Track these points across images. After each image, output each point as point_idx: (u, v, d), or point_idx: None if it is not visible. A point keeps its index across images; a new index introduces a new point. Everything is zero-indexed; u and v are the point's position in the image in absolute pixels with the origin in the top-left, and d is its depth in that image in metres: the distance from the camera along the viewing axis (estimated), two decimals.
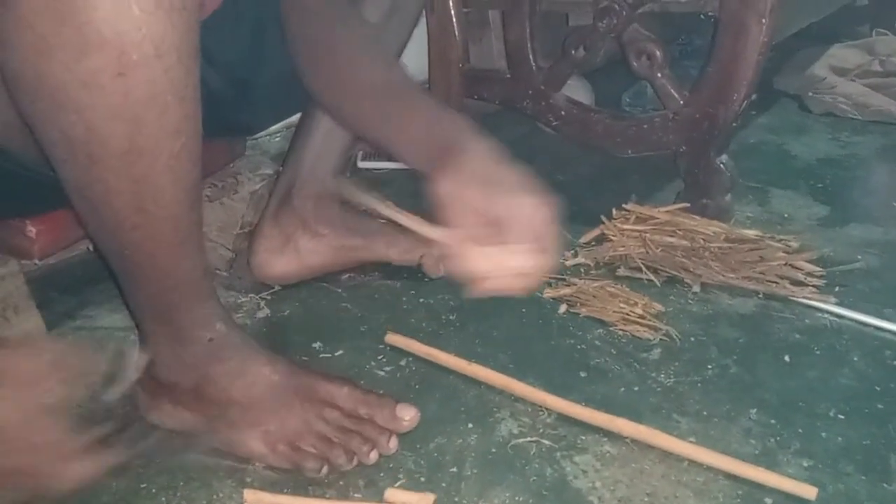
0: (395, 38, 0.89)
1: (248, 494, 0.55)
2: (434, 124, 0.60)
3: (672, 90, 0.97)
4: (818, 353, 0.75)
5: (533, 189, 0.55)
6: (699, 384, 0.70)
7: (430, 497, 0.56)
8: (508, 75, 1.11)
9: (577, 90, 1.19)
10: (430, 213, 0.57)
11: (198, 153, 0.50)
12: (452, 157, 0.57)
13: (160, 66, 0.44)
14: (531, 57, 1.08)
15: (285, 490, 0.57)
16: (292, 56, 0.69)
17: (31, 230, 0.68)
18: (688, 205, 0.97)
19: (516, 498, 0.57)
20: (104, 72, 0.43)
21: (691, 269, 0.86)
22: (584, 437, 0.63)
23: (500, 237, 0.53)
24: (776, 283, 0.84)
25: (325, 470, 0.58)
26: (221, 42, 0.74)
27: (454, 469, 0.60)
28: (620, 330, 0.77)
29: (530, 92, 1.09)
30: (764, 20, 0.88)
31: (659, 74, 0.97)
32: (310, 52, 0.68)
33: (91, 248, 0.77)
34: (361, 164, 1.14)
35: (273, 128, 1.09)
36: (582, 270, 0.89)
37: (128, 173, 0.47)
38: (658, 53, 0.97)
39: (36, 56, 0.43)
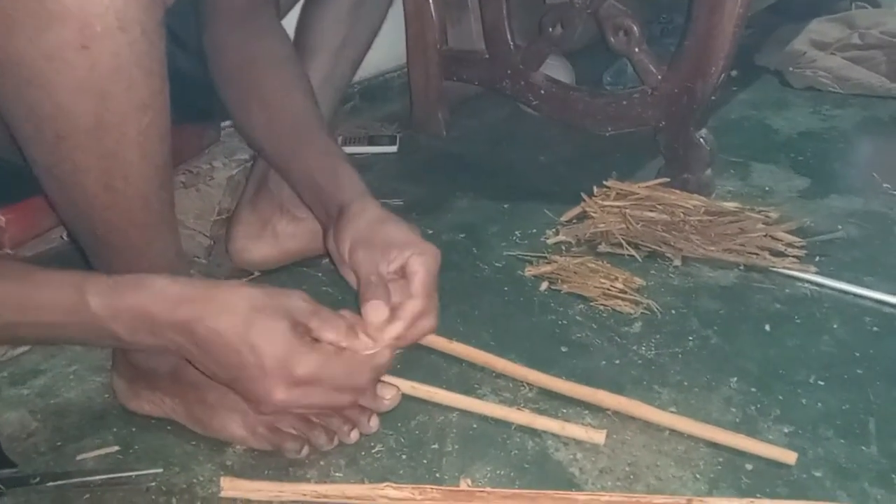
0: (368, 22, 0.88)
1: (225, 482, 0.55)
2: (331, 181, 0.65)
3: (650, 65, 0.97)
4: (798, 321, 0.75)
5: (418, 239, 0.61)
6: (680, 355, 0.70)
7: (602, 433, 0.59)
8: (487, 56, 1.11)
9: (557, 70, 1.18)
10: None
11: (166, 130, 0.50)
12: (346, 219, 0.62)
13: (124, 39, 0.44)
14: (509, 36, 1.07)
15: (266, 471, 0.57)
16: (203, 59, 0.71)
17: (1, 219, 0.68)
18: (668, 180, 0.97)
19: (498, 471, 0.57)
20: (68, 45, 0.43)
21: (672, 244, 0.86)
22: (565, 410, 0.63)
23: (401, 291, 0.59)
24: (756, 254, 0.84)
25: (305, 451, 0.58)
26: (193, 26, 0.73)
27: (435, 445, 0.60)
28: (601, 305, 0.77)
29: (509, 71, 1.09)
30: None
31: (636, 49, 0.97)
32: (225, 67, 0.71)
33: (65, 236, 0.76)
34: None
35: None
36: (563, 248, 0.88)
37: (96, 149, 0.46)
38: (635, 29, 0.96)
39: None
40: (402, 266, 0.60)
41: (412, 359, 0.70)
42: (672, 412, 0.62)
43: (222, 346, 0.49)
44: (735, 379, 0.67)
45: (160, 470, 0.57)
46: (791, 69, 1.45)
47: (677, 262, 0.85)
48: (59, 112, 0.44)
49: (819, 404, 0.64)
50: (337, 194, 0.64)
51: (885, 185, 1.04)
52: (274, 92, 0.69)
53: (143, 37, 0.45)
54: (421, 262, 0.59)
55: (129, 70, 0.45)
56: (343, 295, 0.81)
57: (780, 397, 0.65)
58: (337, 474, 0.57)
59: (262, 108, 0.69)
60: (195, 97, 0.73)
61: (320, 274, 0.84)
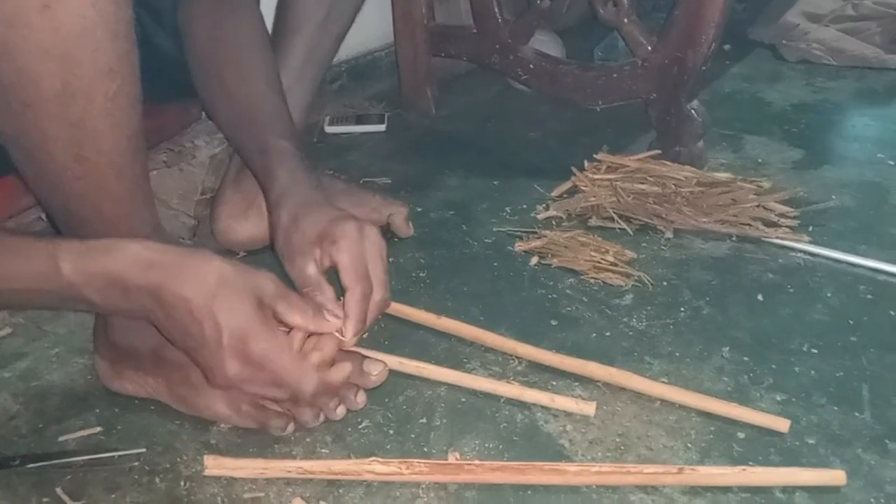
0: None
1: (210, 461, 0.54)
2: (266, 176, 0.65)
3: (640, 36, 0.95)
4: (791, 290, 0.74)
5: (330, 225, 0.59)
6: (671, 326, 0.69)
7: (592, 404, 0.58)
8: (475, 31, 1.09)
9: (547, 46, 1.17)
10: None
11: (136, 97, 0.48)
12: (272, 221, 0.63)
13: None
14: (497, 10, 1.06)
15: (251, 449, 0.56)
16: (181, 37, 0.70)
17: None
18: (660, 152, 0.96)
19: (486, 444, 0.56)
20: (29, 6, 0.41)
21: (664, 216, 0.85)
22: (554, 383, 0.62)
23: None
24: (749, 224, 0.83)
25: (290, 428, 0.57)
26: (171, 3, 0.71)
27: (423, 420, 0.59)
28: (592, 278, 0.76)
29: (497, 46, 1.07)
30: None
31: (626, 20, 0.95)
32: (194, 46, 0.70)
33: (44, 217, 0.74)
34: (328, 129, 1.12)
35: None
36: (554, 223, 0.87)
37: (63, 117, 0.45)
38: None
39: None
40: (329, 260, 0.59)
41: (400, 334, 0.69)
42: (663, 382, 0.61)
43: (186, 312, 0.49)
44: (727, 349, 0.66)
45: (143, 450, 0.56)
46: (784, 42, 1.43)
47: (669, 235, 0.83)
48: (23, 78, 0.43)
49: (812, 372, 0.63)
50: (269, 193, 0.64)
51: (878, 154, 1.03)
52: (233, 77, 0.68)
53: None
54: (338, 250, 0.58)
55: (95, 32, 0.43)
56: (329, 274, 0.79)
57: (773, 366, 0.64)
58: (323, 450, 0.56)
59: (221, 93, 0.69)
60: (176, 75, 0.71)
61: None
